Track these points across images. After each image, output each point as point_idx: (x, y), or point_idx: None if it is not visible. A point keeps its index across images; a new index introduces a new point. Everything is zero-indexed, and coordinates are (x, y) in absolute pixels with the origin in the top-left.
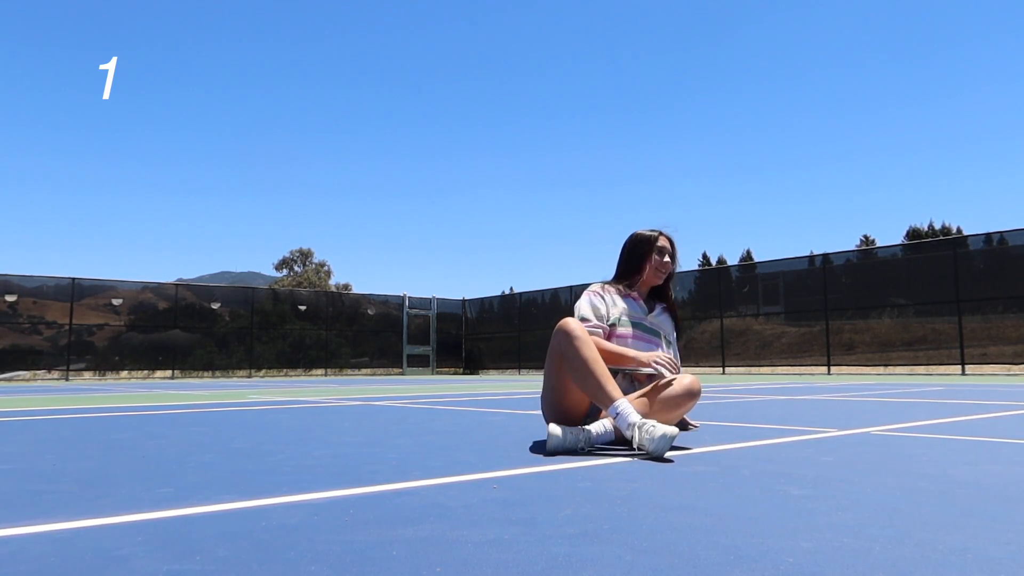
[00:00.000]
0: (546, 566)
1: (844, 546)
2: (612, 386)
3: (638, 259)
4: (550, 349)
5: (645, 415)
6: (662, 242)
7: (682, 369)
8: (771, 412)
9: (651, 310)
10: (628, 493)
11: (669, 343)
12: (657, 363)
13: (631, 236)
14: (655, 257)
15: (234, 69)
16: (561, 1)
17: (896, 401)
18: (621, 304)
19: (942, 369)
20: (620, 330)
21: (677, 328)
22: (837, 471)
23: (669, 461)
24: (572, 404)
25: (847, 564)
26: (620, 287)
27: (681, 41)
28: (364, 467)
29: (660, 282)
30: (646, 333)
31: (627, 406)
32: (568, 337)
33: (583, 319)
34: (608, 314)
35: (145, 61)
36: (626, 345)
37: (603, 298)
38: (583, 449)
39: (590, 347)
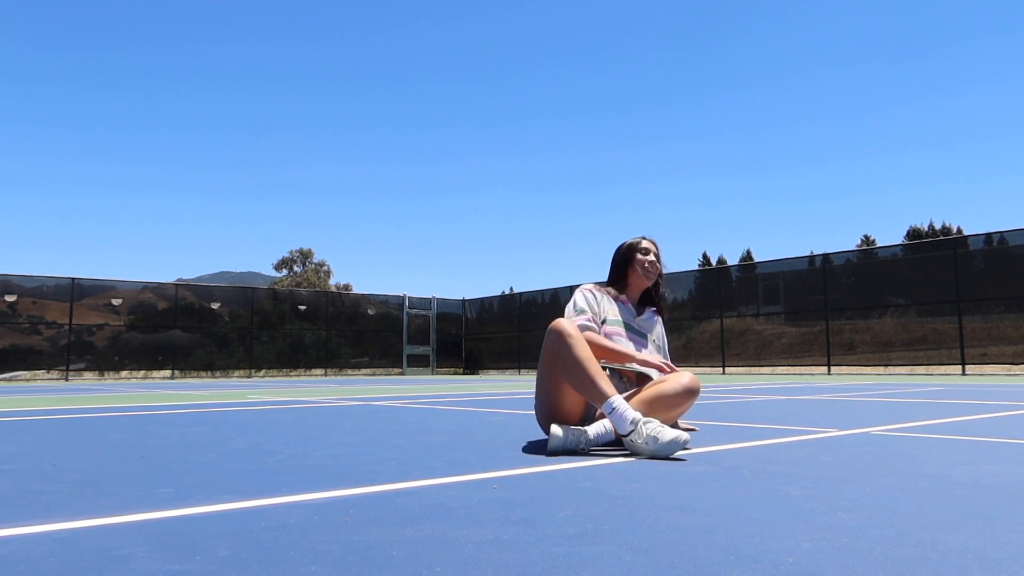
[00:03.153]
0: (546, 566)
1: (844, 546)
2: (606, 383)
3: (625, 264)
4: (543, 351)
5: (644, 415)
6: (645, 244)
7: (678, 367)
8: (771, 412)
9: (640, 314)
10: (628, 493)
11: (658, 347)
12: (648, 364)
13: (618, 247)
14: (639, 257)
15: (234, 69)
16: (561, 1)
17: (896, 401)
18: (611, 305)
19: (942, 369)
20: (609, 328)
21: (665, 335)
22: (837, 471)
23: (680, 460)
24: (568, 407)
25: (847, 564)
26: (611, 290)
27: (681, 41)
28: (364, 467)
29: (650, 283)
30: (634, 335)
31: (623, 403)
32: (561, 336)
33: (580, 311)
34: (600, 311)
35: (145, 61)
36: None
37: (595, 295)
38: (584, 449)
39: (583, 346)
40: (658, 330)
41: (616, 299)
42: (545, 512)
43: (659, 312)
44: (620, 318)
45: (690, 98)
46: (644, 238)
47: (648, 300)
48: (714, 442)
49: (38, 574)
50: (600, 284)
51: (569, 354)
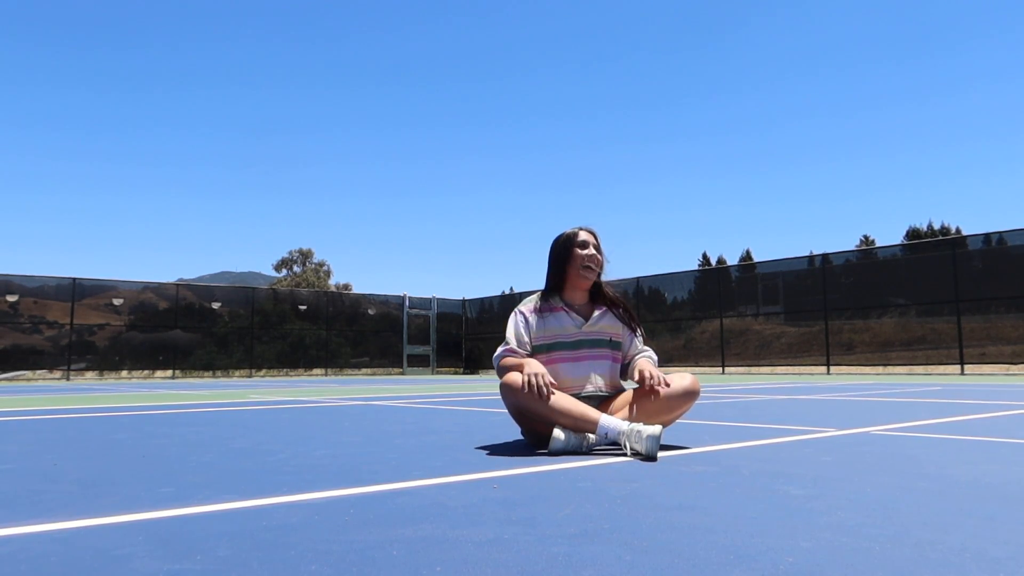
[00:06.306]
0: (546, 566)
1: (844, 546)
2: (586, 410)
3: (562, 262)
4: (507, 406)
5: (633, 417)
6: (582, 236)
7: (679, 368)
8: (771, 412)
9: (590, 315)
10: (628, 493)
11: (618, 344)
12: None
13: (554, 241)
14: (577, 252)
15: (234, 69)
16: (563, 2)
17: (895, 401)
18: (548, 324)
19: (941, 369)
20: (544, 357)
21: (632, 320)
22: (837, 471)
23: (653, 460)
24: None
25: (847, 564)
26: (550, 301)
27: (681, 41)
28: (364, 467)
29: (592, 278)
30: (574, 350)
31: (609, 419)
32: (517, 391)
33: (507, 344)
34: (532, 338)
35: (146, 61)
36: (555, 374)
37: (527, 321)
38: (585, 450)
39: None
40: (618, 326)
41: (556, 311)
42: (545, 512)
43: (612, 305)
44: (557, 337)
45: (690, 98)
46: (581, 229)
47: (598, 296)
48: (714, 442)
49: (39, 574)
50: (539, 295)
51: (536, 407)
